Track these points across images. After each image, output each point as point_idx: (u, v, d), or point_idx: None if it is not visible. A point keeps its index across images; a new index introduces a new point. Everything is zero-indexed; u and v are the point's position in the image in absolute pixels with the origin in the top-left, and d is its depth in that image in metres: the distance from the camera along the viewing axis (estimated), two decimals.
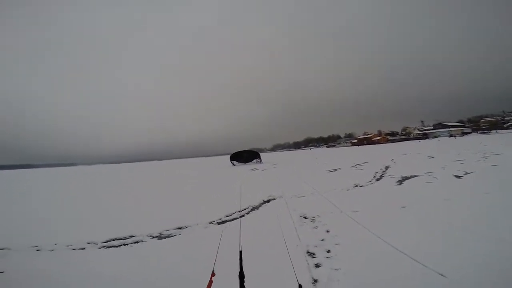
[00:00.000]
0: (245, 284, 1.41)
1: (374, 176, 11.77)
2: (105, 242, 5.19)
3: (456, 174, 10.14)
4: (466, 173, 10.20)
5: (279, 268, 3.28)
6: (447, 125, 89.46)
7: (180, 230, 5.84)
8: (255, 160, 34.13)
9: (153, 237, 5.46)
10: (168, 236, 5.46)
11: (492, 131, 68.94)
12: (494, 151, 18.74)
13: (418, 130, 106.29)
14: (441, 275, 2.98)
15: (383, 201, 6.87)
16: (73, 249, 4.78)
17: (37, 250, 4.77)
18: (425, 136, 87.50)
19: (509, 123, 78.89)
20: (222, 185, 13.28)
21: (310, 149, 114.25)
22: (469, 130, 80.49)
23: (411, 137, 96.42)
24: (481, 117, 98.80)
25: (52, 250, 4.76)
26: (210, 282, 1.45)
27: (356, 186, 9.67)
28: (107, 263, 4.12)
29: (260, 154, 35.89)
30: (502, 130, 68.89)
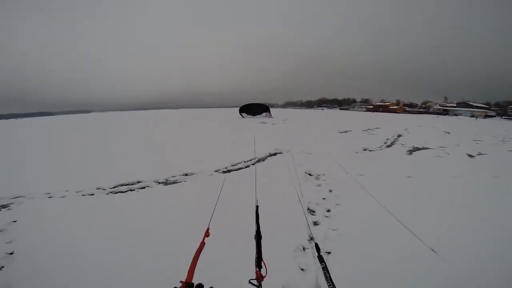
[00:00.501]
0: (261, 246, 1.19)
1: (385, 143, 11.57)
2: (113, 187, 5.37)
3: (469, 153, 9.84)
4: (480, 154, 9.89)
5: (281, 223, 3.38)
6: (471, 104, 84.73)
7: (186, 176, 5.99)
8: (264, 114, 33.74)
9: (159, 183, 5.63)
10: (174, 182, 5.63)
11: None
12: None
13: (440, 105, 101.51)
14: (433, 250, 3.01)
15: (390, 168, 6.82)
16: (83, 195, 4.96)
17: (49, 197, 4.93)
18: (445, 112, 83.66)
19: None
20: (231, 136, 13.35)
21: (322, 109, 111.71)
22: (494, 114, 76.31)
23: (431, 111, 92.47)
24: (511, 103, 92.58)
25: (63, 196, 4.93)
26: (202, 243, 1.18)
27: (366, 150, 9.57)
28: (113, 208, 4.31)
29: (271, 108, 35.32)
30: None
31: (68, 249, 3.02)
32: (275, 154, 8.22)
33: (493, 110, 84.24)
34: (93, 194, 5.02)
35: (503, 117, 70.45)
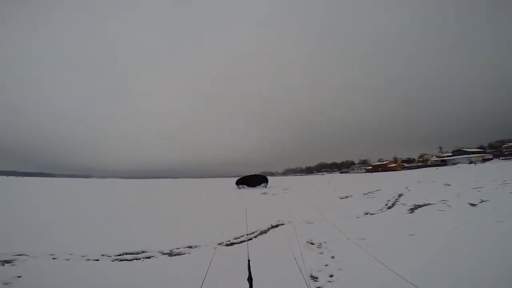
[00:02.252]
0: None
1: (386, 204, 11.59)
2: (118, 255, 5.43)
3: (471, 202, 9.88)
4: (482, 201, 9.93)
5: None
6: (466, 151, 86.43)
7: (190, 249, 6.01)
8: (262, 184, 33.60)
9: (164, 253, 5.65)
10: (178, 254, 5.65)
11: None
12: None
13: (436, 156, 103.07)
14: None
15: (391, 229, 6.84)
16: (88, 260, 5.03)
17: (53, 258, 5.03)
18: (443, 163, 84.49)
19: None
20: (232, 207, 13.39)
21: (322, 174, 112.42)
22: (490, 156, 77.23)
23: (429, 164, 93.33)
24: (503, 142, 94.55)
25: (68, 259, 5.01)
26: None
27: (367, 214, 9.58)
28: (118, 275, 4.35)
29: (270, 177, 35.63)
30: None
31: None
32: (277, 226, 8.23)
33: (488, 152, 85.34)
34: (98, 260, 5.07)
35: (500, 158, 71.08)
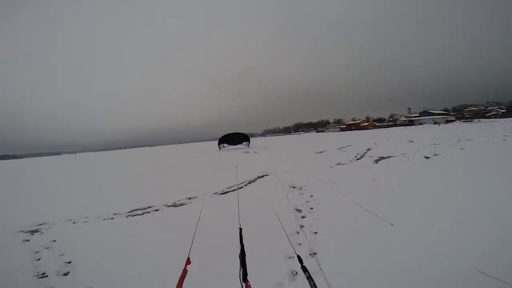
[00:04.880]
0: (246, 262, 1.42)
1: (355, 157, 13.14)
2: (129, 212, 6.22)
3: (425, 155, 11.57)
4: (435, 155, 11.65)
5: (273, 220, 4.48)
6: (432, 112, 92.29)
7: (190, 200, 6.96)
8: (244, 143, 33.87)
9: (169, 206, 6.55)
10: (181, 205, 6.59)
11: (474, 120, 72.03)
12: (468, 138, 20.45)
13: (405, 117, 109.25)
14: (391, 224, 4.22)
15: (358, 175, 8.19)
16: (104, 219, 5.77)
17: (73, 223, 5.66)
18: (411, 123, 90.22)
19: (491, 113, 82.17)
20: (220, 165, 14.41)
21: (299, 134, 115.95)
22: (453, 119, 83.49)
23: (398, 123, 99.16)
24: (466, 107, 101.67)
25: (86, 221, 5.69)
26: (184, 271, 1.35)
27: (339, 164, 10.99)
28: (136, 226, 5.22)
29: (251, 138, 35.55)
30: (484, 119, 72.11)
31: (114, 255, 3.86)
32: (262, 176, 9.36)
33: (452, 115, 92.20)
34: (112, 218, 5.83)
35: (461, 120, 77.53)
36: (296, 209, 5.29)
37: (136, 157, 33.63)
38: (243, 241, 1.66)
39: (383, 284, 2.68)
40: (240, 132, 34.90)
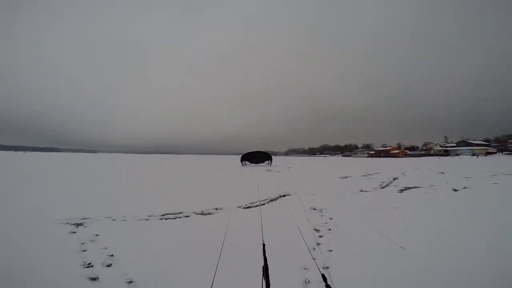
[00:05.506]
0: (269, 275, 1.51)
1: (380, 185, 13.07)
2: (162, 215, 6.93)
3: (454, 188, 11.28)
4: (464, 188, 11.32)
5: (294, 237, 4.91)
6: (471, 143, 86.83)
7: (217, 210, 7.57)
8: (266, 162, 34.10)
9: (197, 213, 7.21)
10: (209, 214, 7.21)
11: None
12: (506, 172, 19.29)
13: (440, 146, 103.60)
14: (402, 247, 4.48)
15: (380, 203, 8.32)
16: (140, 220, 6.52)
17: (113, 220, 6.41)
18: (446, 153, 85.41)
19: None
20: (243, 180, 15.00)
21: (325, 156, 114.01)
22: (494, 150, 77.72)
23: (431, 153, 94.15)
24: (510, 137, 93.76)
25: (124, 220, 6.46)
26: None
27: (362, 191, 11.07)
28: (169, 228, 5.90)
29: (273, 157, 35.58)
30: None
31: (151, 252, 4.46)
32: (284, 196, 9.77)
33: (493, 146, 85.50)
34: (147, 219, 6.51)
35: (504, 152, 71.69)
36: (315, 229, 5.65)
37: (165, 164, 35.27)
38: (266, 255, 1.87)
39: None
40: (263, 150, 35.48)
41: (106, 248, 4.62)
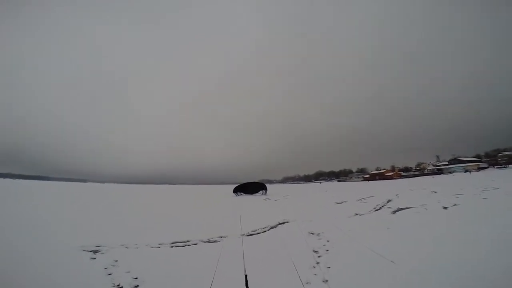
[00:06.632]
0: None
1: (374, 208, 13.56)
2: (172, 243, 7.32)
3: (444, 206, 11.83)
4: (454, 205, 11.88)
5: (294, 259, 5.36)
6: (462, 160, 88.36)
7: (222, 238, 7.94)
8: (260, 192, 33.23)
9: (204, 241, 7.58)
10: (215, 241, 7.59)
11: (509, 165, 67.84)
12: (495, 186, 20.02)
13: (433, 165, 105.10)
14: (392, 262, 4.97)
15: (373, 224, 8.82)
16: (152, 247, 6.89)
17: (126, 248, 6.81)
18: (439, 171, 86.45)
19: None
20: (242, 210, 15.30)
21: (320, 182, 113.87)
22: (486, 165, 79.02)
23: (425, 172, 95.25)
24: (499, 151, 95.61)
25: (137, 248, 6.85)
26: None
27: (356, 214, 11.54)
28: (179, 255, 6.27)
29: (269, 185, 34.67)
30: None
31: (169, 276, 4.81)
32: (283, 223, 10.15)
33: (484, 161, 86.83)
34: (159, 247, 6.88)
35: (495, 167, 72.84)
36: (314, 250, 6.10)
37: (163, 194, 34.90)
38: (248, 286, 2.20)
39: None
40: (256, 181, 35.04)
41: (129, 272, 5.06)
